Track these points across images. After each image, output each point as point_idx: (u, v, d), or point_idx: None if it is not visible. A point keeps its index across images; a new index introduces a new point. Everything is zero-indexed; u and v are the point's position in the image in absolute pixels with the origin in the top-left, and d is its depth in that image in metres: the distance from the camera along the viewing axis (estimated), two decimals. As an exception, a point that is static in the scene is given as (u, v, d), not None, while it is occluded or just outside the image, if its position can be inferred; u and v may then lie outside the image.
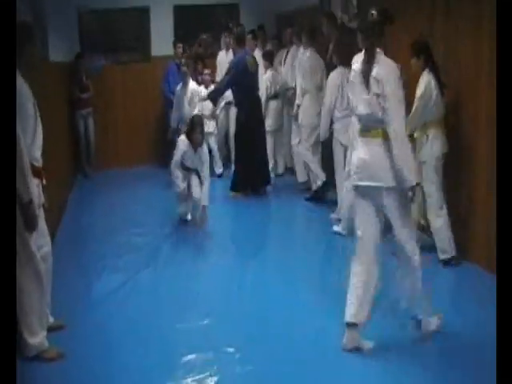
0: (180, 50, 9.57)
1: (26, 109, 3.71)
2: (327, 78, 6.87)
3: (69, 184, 8.75)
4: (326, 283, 5.24)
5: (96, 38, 10.24)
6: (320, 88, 7.44)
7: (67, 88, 9.23)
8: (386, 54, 3.81)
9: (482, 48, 4.95)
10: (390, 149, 3.73)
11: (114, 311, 4.68)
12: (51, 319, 4.21)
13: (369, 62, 3.76)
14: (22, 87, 3.73)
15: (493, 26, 4.05)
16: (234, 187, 8.04)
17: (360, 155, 3.89)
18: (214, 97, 8.17)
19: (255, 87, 8.09)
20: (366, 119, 3.86)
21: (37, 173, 3.82)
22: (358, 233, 3.96)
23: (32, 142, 3.78)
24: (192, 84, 8.48)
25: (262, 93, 8.56)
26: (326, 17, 7.38)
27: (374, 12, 3.80)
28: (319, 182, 7.55)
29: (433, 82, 5.10)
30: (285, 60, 8.85)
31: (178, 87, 8.52)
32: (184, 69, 8.43)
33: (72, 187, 8.91)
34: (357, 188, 3.94)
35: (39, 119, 3.91)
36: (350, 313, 3.92)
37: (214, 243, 6.41)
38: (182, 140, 6.67)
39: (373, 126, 3.81)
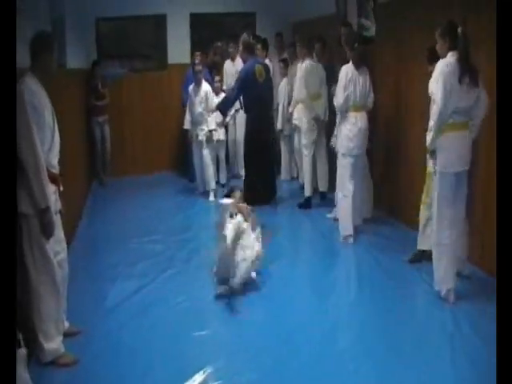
0: (199, 58, 9.55)
1: (44, 116, 3.74)
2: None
3: (85, 191, 8.79)
4: (337, 289, 5.28)
5: (113, 45, 10.29)
6: (317, 96, 7.59)
7: (84, 95, 9.30)
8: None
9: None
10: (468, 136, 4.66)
11: (127, 318, 4.68)
12: (67, 324, 4.23)
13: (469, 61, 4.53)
14: (40, 94, 3.76)
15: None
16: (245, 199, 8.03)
17: (458, 147, 4.62)
18: (223, 108, 8.13)
19: (263, 96, 8.02)
20: (465, 113, 4.60)
21: (53, 179, 3.84)
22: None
23: (49, 149, 3.81)
24: (205, 85, 8.40)
25: (281, 100, 8.72)
26: (343, 26, 7.40)
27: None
28: (307, 194, 7.86)
29: None
30: None
31: (191, 88, 8.44)
32: (199, 67, 8.29)
33: (88, 194, 8.95)
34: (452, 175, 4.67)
35: (57, 126, 3.93)
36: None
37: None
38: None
39: (465, 119, 4.63)
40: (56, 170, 3.92)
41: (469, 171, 4.76)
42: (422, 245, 5.58)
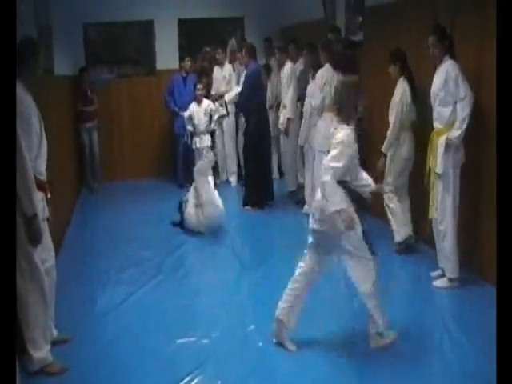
0: (188, 64, 9.53)
1: (31, 123, 3.70)
2: None
3: (73, 198, 8.74)
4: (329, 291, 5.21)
5: (101, 51, 10.28)
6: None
7: (72, 101, 9.25)
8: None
9: (485, 56, 4.97)
10: None
11: (117, 325, 4.65)
12: (55, 333, 4.19)
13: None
14: (27, 101, 3.72)
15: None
16: (246, 201, 8.04)
17: None
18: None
19: (264, 99, 8.27)
20: None
21: (41, 186, 3.81)
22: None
23: (37, 156, 3.77)
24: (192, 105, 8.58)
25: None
26: (331, 31, 7.44)
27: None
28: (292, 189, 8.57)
29: (407, 89, 5.60)
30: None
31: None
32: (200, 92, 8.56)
33: (77, 201, 8.90)
34: None
35: (44, 133, 3.90)
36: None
37: (219, 257, 6.38)
38: None
39: None
40: (43, 177, 3.88)
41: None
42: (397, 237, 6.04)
